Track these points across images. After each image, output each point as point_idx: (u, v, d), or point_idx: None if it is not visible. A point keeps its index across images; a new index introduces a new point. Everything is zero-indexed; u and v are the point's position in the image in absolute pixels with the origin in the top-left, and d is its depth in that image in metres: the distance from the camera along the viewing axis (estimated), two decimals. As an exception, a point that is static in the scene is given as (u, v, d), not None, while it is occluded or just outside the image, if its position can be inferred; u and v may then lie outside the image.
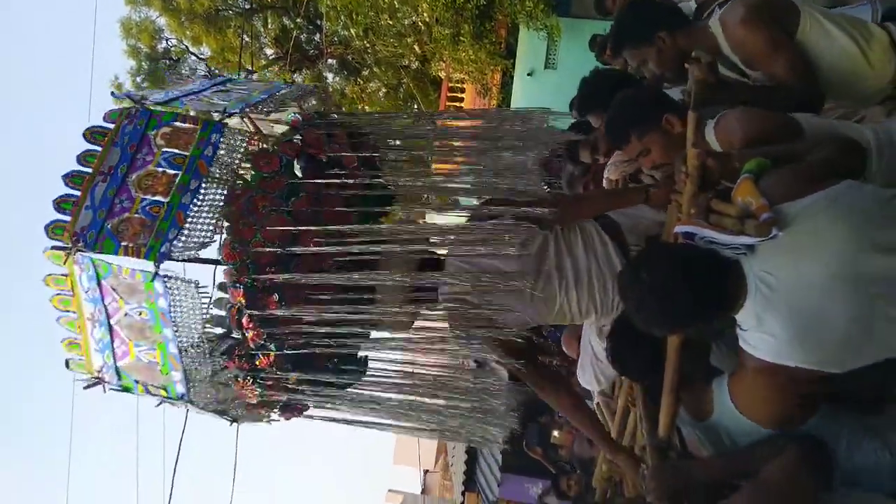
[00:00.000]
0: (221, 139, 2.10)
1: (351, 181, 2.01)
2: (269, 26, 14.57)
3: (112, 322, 2.11)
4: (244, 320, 1.96)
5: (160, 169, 2.08)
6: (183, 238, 1.99)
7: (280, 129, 2.26)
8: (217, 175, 2.10)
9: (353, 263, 1.98)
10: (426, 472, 12.75)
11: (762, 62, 1.98)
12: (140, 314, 2.06)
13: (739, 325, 1.56)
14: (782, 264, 1.45)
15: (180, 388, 2.07)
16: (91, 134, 2.20)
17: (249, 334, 1.96)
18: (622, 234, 2.20)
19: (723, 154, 1.72)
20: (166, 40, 15.21)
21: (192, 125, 2.15)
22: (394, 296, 2.03)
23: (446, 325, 2.14)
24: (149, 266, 1.98)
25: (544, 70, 10.42)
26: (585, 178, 3.57)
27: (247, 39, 14.16)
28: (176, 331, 2.03)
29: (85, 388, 2.20)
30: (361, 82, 14.44)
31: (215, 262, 2.10)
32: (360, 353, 2.15)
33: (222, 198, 2.08)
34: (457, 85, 11.58)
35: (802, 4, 1.97)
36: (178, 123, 2.17)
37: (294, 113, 2.26)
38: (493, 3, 9.79)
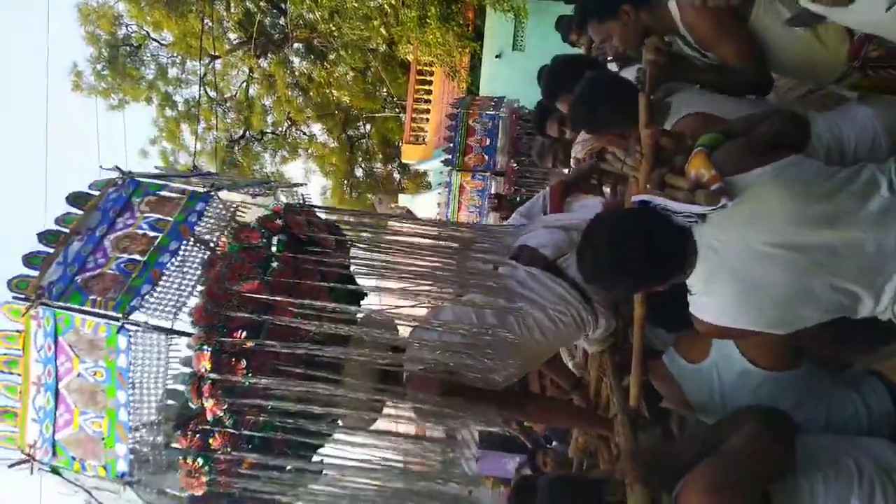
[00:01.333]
0: (207, 208, 2.11)
1: (329, 259, 2.02)
2: (233, 10, 14.27)
3: (60, 385, 1.99)
4: (206, 388, 1.86)
5: (141, 231, 2.07)
6: (155, 295, 1.93)
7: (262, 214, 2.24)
8: (198, 239, 2.07)
9: (325, 338, 1.93)
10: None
11: (711, 47, 2.06)
12: (95, 374, 1.94)
13: (689, 289, 1.63)
14: (730, 232, 1.49)
15: (122, 466, 1.92)
16: (74, 198, 2.18)
17: (209, 404, 1.84)
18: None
19: (676, 133, 1.79)
20: (126, 26, 14.82)
21: (178, 195, 2.17)
22: (361, 378, 1.98)
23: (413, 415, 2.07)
24: (114, 321, 1.89)
25: (512, 52, 10.44)
26: (554, 148, 3.64)
27: (209, 24, 13.86)
28: (131, 395, 1.91)
29: (10, 466, 2.04)
30: (329, 66, 14.28)
31: (183, 334, 1.98)
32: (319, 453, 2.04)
33: (200, 263, 2.03)
34: (425, 68, 11.53)
35: None
36: (164, 193, 2.18)
37: (277, 201, 2.27)
38: (459, -15, 9.76)
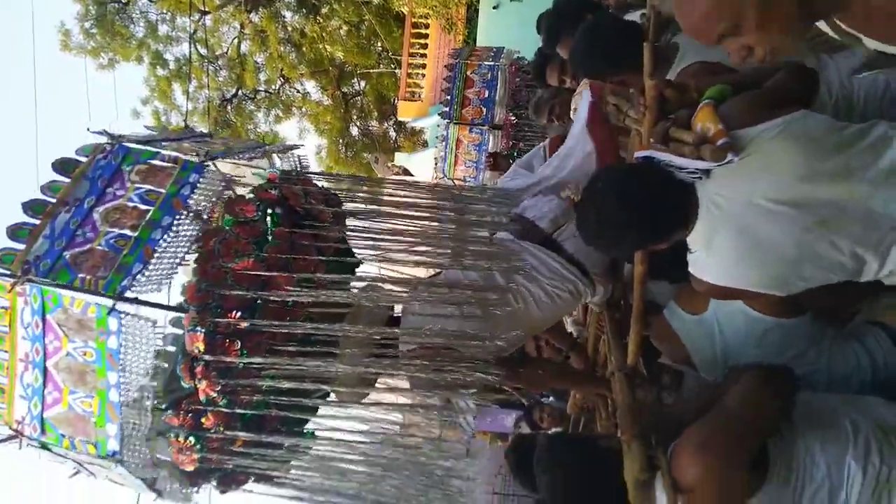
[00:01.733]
0: (201, 179, 2.03)
1: (326, 234, 1.96)
2: (221, -37, 13.84)
3: (49, 364, 1.94)
4: (199, 369, 1.79)
5: (131, 204, 1.98)
6: (146, 274, 1.86)
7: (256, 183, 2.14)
8: (191, 213, 2.00)
9: (320, 316, 1.87)
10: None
11: None
12: (85, 354, 1.89)
13: (689, 247, 1.60)
14: (734, 188, 1.48)
15: (113, 445, 1.88)
16: (61, 164, 2.08)
17: (202, 385, 1.79)
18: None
19: (680, 84, 1.72)
20: (113, -19, 14.41)
21: (171, 164, 2.07)
22: (358, 352, 1.92)
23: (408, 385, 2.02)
24: (105, 300, 1.83)
25: (510, 2, 10.14)
26: (552, 103, 3.51)
27: (198, -22, 13.45)
28: (122, 376, 1.86)
29: None
30: (321, 21, 13.92)
31: (176, 309, 1.95)
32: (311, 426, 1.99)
33: (194, 239, 1.96)
34: (421, 20, 11.24)
35: None
36: (155, 162, 2.08)
37: (273, 168, 2.18)
38: (454, -67, 9.41)
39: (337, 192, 2.17)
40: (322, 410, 1.99)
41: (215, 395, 1.81)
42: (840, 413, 1.53)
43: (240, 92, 15.64)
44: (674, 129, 1.55)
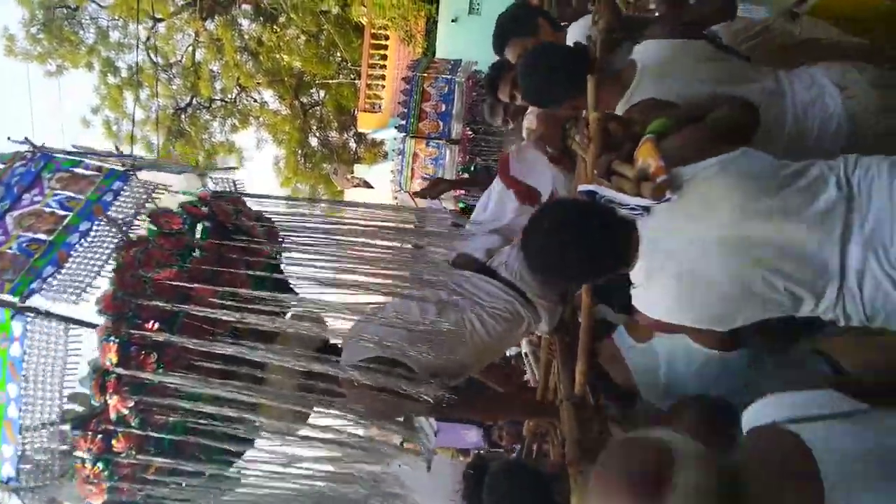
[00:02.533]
0: (125, 188, 1.97)
1: (257, 250, 1.89)
2: (176, -30, 13.54)
3: None
4: (110, 383, 1.66)
5: (48, 209, 1.90)
6: (58, 278, 1.75)
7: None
8: (110, 220, 1.91)
9: (248, 334, 1.78)
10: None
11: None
12: None
13: (633, 281, 1.61)
14: (674, 226, 1.49)
15: (8, 470, 1.72)
16: None
17: (113, 400, 1.67)
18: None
19: (624, 118, 1.73)
20: (61, -14, 13.95)
21: (94, 172, 2.01)
22: (288, 380, 1.82)
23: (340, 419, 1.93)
24: (12, 301, 1.72)
25: (469, 16, 10.17)
26: (506, 103, 3.45)
27: (151, -16, 13.12)
28: (24, 388, 1.72)
29: None
30: (279, 30, 13.73)
31: (86, 324, 1.82)
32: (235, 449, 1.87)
33: (113, 247, 1.86)
34: (380, 32, 11.18)
35: None
36: (78, 170, 2.01)
37: (204, 187, 2.11)
38: (412, -55, 9.40)
39: (274, 215, 2.10)
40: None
41: (127, 412, 1.70)
42: None
43: (194, 101, 15.29)
44: (616, 162, 1.56)
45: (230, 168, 2.39)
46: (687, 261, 1.46)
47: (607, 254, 1.55)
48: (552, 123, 2.79)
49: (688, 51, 1.93)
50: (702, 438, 1.43)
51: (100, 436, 1.71)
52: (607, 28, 1.89)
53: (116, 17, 14.35)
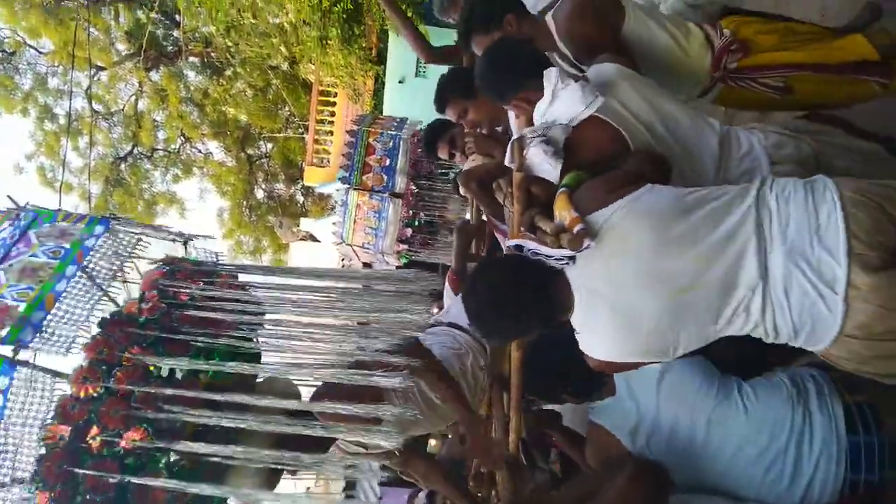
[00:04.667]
0: (107, 233, 2.04)
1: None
2: (121, 21, 13.42)
3: None
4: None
5: (37, 259, 1.96)
6: (49, 329, 1.79)
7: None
8: (93, 269, 1.99)
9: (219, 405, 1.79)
10: (307, 488, 12.38)
11: (586, 53, 2.07)
12: None
13: (575, 328, 1.64)
14: (598, 269, 1.54)
15: None
16: None
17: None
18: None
19: (544, 181, 1.81)
20: (-4, 30, 13.60)
21: (76, 223, 2.09)
22: (259, 441, 1.81)
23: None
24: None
25: (416, 77, 10.42)
26: (452, 134, 3.46)
27: (95, 33, 12.96)
28: (2, 441, 1.72)
29: None
30: (225, 83, 13.71)
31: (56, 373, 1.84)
32: None
33: (91, 295, 1.94)
34: (329, 88, 11.30)
35: (626, 3, 2.10)
36: (61, 222, 2.10)
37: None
38: (361, 8, 9.63)
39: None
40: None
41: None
42: None
43: (135, 150, 14.97)
44: (538, 217, 1.63)
45: (207, 237, 2.38)
46: (617, 300, 1.51)
47: (542, 303, 1.59)
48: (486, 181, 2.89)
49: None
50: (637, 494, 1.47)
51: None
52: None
53: (56, 65, 14.06)
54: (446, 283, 3.13)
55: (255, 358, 1.98)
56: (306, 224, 12.92)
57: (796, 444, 1.64)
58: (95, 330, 1.85)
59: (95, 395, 1.73)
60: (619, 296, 1.51)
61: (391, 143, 7.35)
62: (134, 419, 1.71)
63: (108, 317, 1.87)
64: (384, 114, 10.30)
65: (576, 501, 1.67)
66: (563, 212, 1.56)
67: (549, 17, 2.14)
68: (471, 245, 3.34)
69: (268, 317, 2.01)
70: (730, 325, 1.48)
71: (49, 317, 1.81)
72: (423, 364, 2.05)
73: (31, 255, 1.97)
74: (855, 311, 1.36)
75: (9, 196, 2.22)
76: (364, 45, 10.17)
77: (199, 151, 15.89)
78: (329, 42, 9.67)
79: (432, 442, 5.70)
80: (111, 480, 1.66)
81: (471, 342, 2.49)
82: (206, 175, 15.83)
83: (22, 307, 1.80)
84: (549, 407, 2.78)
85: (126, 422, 1.70)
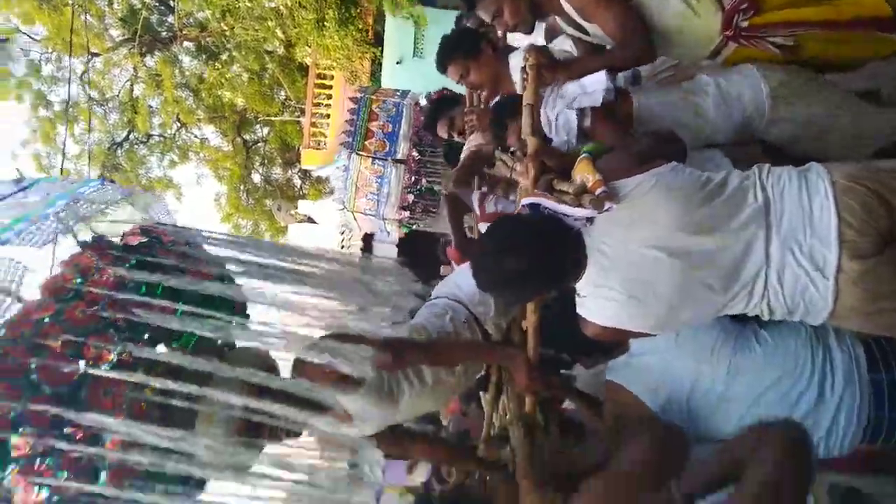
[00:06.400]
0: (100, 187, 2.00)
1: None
2: (115, 6, 13.35)
3: None
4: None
5: (29, 199, 1.90)
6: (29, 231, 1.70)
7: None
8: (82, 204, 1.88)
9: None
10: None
11: (595, 16, 2.08)
12: None
13: (578, 292, 1.64)
14: (615, 236, 1.54)
15: None
16: None
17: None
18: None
19: (557, 153, 1.85)
20: (-11, 16, 13.50)
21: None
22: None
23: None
24: None
25: (413, 58, 10.43)
26: (452, 115, 3.49)
27: (89, 19, 12.88)
28: None
29: None
30: (221, 67, 13.67)
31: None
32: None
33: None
34: (325, 71, 11.29)
35: None
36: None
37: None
38: (357, -11, 9.64)
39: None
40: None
41: None
42: None
43: (131, 136, 14.95)
44: (556, 181, 1.63)
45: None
46: (631, 268, 1.53)
47: (559, 259, 1.57)
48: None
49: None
50: (655, 459, 1.39)
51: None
52: (537, 59, 2.04)
53: (50, 51, 13.99)
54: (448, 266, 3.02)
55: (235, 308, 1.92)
56: (304, 207, 12.93)
57: (818, 384, 1.65)
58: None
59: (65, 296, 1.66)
60: (633, 264, 1.53)
61: (394, 111, 7.27)
62: (102, 324, 1.63)
63: (91, 239, 1.82)
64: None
65: (596, 462, 1.54)
66: (585, 174, 1.58)
67: None
68: (465, 213, 3.12)
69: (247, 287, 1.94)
70: (733, 306, 1.55)
71: (33, 228, 1.74)
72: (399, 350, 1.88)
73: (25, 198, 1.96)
74: (845, 294, 1.45)
75: (17, 169, 2.24)
76: (361, 26, 10.18)
77: (196, 136, 15.87)
78: (325, 24, 9.69)
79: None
80: (65, 370, 1.57)
81: (469, 316, 2.26)
82: (202, 160, 15.83)
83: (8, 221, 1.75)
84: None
85: (92, 327, 1.62)
